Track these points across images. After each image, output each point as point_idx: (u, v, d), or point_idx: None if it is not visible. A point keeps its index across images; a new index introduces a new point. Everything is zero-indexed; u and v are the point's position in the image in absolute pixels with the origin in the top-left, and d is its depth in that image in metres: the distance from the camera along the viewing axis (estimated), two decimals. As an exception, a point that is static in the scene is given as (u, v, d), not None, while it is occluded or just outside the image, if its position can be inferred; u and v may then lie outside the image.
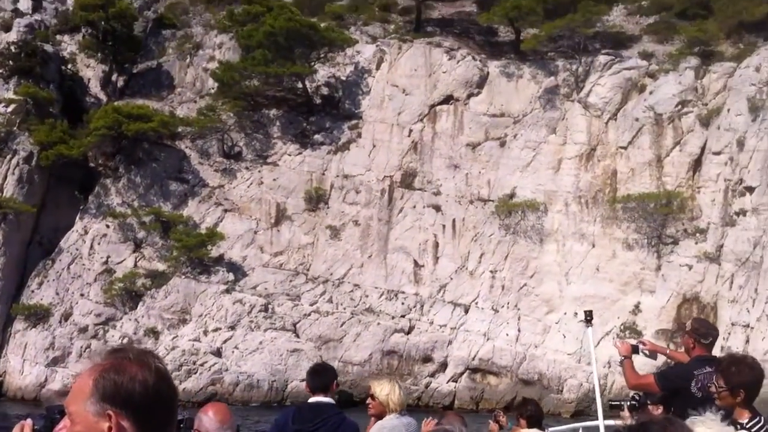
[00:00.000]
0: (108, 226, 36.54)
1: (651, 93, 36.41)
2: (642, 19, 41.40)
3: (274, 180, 37.71)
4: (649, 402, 7.77)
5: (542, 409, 9.41)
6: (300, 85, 39.48)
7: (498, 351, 34.19)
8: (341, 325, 34.78)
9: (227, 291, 35.19)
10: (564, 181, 36.28)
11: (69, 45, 42.51)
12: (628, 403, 8.04)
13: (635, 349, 7.54)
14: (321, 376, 6.88)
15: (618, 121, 36.62)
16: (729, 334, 31.09)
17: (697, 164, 35.38)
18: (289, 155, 38.29)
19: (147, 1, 45.65)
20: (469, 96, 38.26)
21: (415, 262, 36.07)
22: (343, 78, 39.97)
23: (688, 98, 36.04)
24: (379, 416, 6.70)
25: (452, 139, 37.72)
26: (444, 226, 36.49)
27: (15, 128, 37.41)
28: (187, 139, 38.66)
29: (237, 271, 35.91)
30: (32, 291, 35.52)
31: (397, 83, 38.86)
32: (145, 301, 34.90)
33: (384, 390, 6.72)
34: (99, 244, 36.31)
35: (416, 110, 38.30)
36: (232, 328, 34.54)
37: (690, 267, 33.62)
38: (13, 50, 38.88)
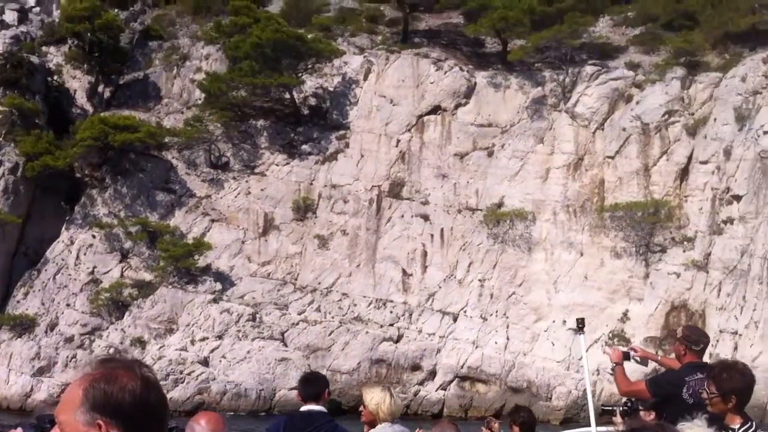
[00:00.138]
0: (94, 237, 36.38)
1: (638, 103, 36.58)
2: (628, 30, 41.60)
3: (262, 190, 37.65)
4: (641, 408, 7.79)
5: (535, 416, 9.41)
6: (287, 96, 39.43)
7: (487, 359, 34.20)
8: (329, 334, 34.72)
9: (214, 300, 35.07)
10: (552, 190, 36.38)
11: (55, 56, 42.31)
12: (621, 409, 8.06)
13: (626, 356, 7.58)
14: (313, 384, 6.87)
15: (605, 130, 36.78)
16: (717, 341, 31.18)
17: (684, 173, 35.57)
18: (277, 165, 38.23)
19: (133, 12, 45.46)
20: (457, 106, 38.34)
21: (404, 271, 36.06)
22: (331, 89, 39.96)
23: (675, 108, 36.24)
24: (372, 424, 6.64)
25: (440, 149, 37.78)
26: (432, 235, 36.52)
27: (1, 139, 37.28)
28: (174, 149, 38.53)
29: (224, 280, 35.81)
30: (18, 301, 35.31)
31: (385, 94, 38.90)
32: (131, 311, 34.73)
33: (374, 399, 6.59)
34: (85, 254, 36.15)
35: (404, 120, 38.35)
36: (220, 337, 34.42)
37: (678, 275, 33.74)
38: (-1, 62, 38.78)
